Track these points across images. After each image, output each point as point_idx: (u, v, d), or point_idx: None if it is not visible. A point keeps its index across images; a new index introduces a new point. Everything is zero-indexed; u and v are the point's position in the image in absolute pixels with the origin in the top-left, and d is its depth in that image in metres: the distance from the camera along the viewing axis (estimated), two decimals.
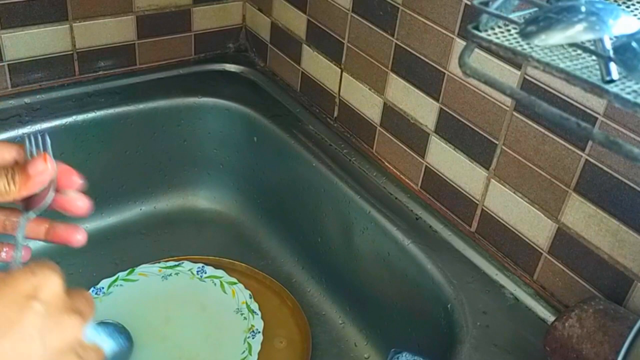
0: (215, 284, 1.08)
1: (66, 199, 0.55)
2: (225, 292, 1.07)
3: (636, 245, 0.74)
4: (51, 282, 0.44)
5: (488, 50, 0.78)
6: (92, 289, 1.04)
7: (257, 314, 1.03)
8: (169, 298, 1.05)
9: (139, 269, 1.09)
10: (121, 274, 1.07)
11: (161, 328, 1.01)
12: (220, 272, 1.09)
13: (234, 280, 1.08)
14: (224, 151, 1.24)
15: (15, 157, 0.53)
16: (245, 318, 1.02)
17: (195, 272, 1.09)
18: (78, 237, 0.55)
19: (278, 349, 1.01)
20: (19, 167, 0.51)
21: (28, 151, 0.53)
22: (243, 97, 1.23)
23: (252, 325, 1.01)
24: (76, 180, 0.55)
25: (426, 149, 0.99)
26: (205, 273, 1.09)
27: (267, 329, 1.02)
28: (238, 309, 1.04)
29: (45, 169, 0.51)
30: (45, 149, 0.53)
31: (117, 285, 1.06)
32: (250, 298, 1.05)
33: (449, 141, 0.95)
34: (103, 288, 1.05)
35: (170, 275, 1.09)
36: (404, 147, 1.03)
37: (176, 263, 1.11)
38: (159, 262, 1.11)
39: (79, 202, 0.55)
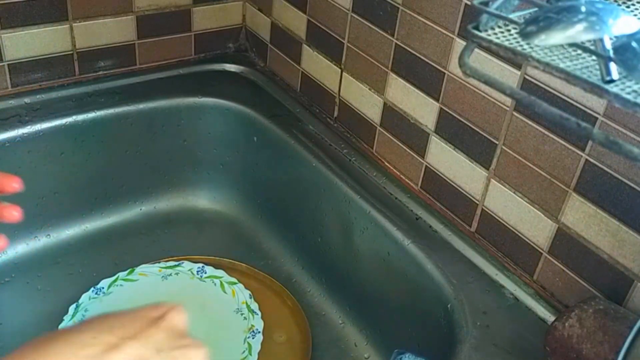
0: (215, 284, 1.08)
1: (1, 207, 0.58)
2: (225, 292, 1.07)
3: (636, 245, 0.74)
4: (177, 317, 0.50)
5: (488, 50, 0.78)
6: (92, 289, 1.04)
7: (257, 314, 1.03)
8: (169, 298, 1.04)
9: (139, 269, 1.09)
10: (121, 274, 1.07)
11: None
12: (220, 272, 1.09)
13: (234, 280, 1.08)
14: (224, 151, 1.24)
15: None
16: (245, 318, 1.03)
17: (195, 272, 1.09)
18: (14, 213, 0.59)
19: (278, 344, 1.01)
20: None
21: None
22: (243, 97, 1.23)
23: (252, 325, 1.01)
24: (15, 185, 0.59)
25: (426, 149, 0.99)
26: (205, 273, 1.09)
27: (267, 328, 1.02)
28: (238, 308, 1.04)
29: None
30: None
31: (117, 285, 1.06)
32: (250, 298, 1.05)
33: (449, 141, 0.95)
34: (103, 288, 1.05)
35: (170, 275, 1.09)
36: (404, 147, 1.03)
37: (176, 263, 1.11)
38: (159, 262, 1.11)
39: (13, 212, 0.59)
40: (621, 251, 0.76)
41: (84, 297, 1.03)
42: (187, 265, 1.10)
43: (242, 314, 1.03)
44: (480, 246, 0.93)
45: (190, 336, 0.51)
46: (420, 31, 0.94)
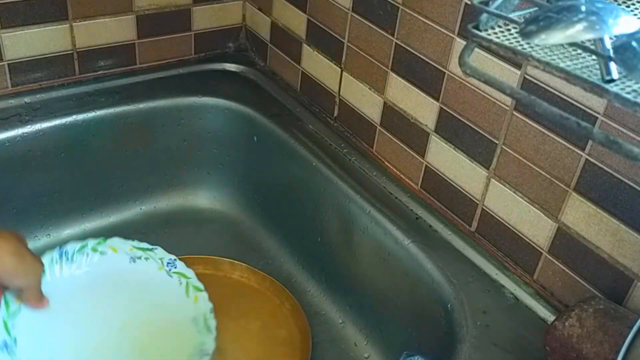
0: (180, 284, 0.95)
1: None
2: (187, 297, 0.94)
3: (636, 245, 0.74)
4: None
5: (488, 49, 0.78)
6: (57, 248, 0.90)
7: (212, 333, 0.88)
8: (129, 291, 0.93)
9: (110, 241, 0.94)
10: (91, 241, 0.93)
11: (106, 317, 0.89)
12: (189, 272, 0.96)
13: (201, 287, 0.95)
14: (224, 151, 1.24)
15: None
16: (198, 332, 0.90)
17: (164, 263, 0.96)
18: None
19: (278, 343, 1.01)
20: None
21: None
22: (243, 96, 1.23)
23: (203, 343, 0.87)
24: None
25: (426, 148, 0.99)
26: (175, 268, 0.96)
27: (267, 329, 1.02)
28: (195, 318, 0.91)
29: None
30: None
31: (82, 254, 0.91)
32: (210, 313, 0.91)
33: (449, 141, 0.95)
34: (68, 252, 0.90)
35: (140, 258, 0.95)
36: (404, 147, 1.03)
37: (149, 246, 0.97)
38: (133, 241, 0.96)
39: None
40: (621, 251, 0.76)
41: (47, 258, 0.88)
42: (159, 252, 0.96)
43: (196, 327, 0.90)
44: (480, 246, 0.93)
45: None
46: (420, 31, 0.94)
